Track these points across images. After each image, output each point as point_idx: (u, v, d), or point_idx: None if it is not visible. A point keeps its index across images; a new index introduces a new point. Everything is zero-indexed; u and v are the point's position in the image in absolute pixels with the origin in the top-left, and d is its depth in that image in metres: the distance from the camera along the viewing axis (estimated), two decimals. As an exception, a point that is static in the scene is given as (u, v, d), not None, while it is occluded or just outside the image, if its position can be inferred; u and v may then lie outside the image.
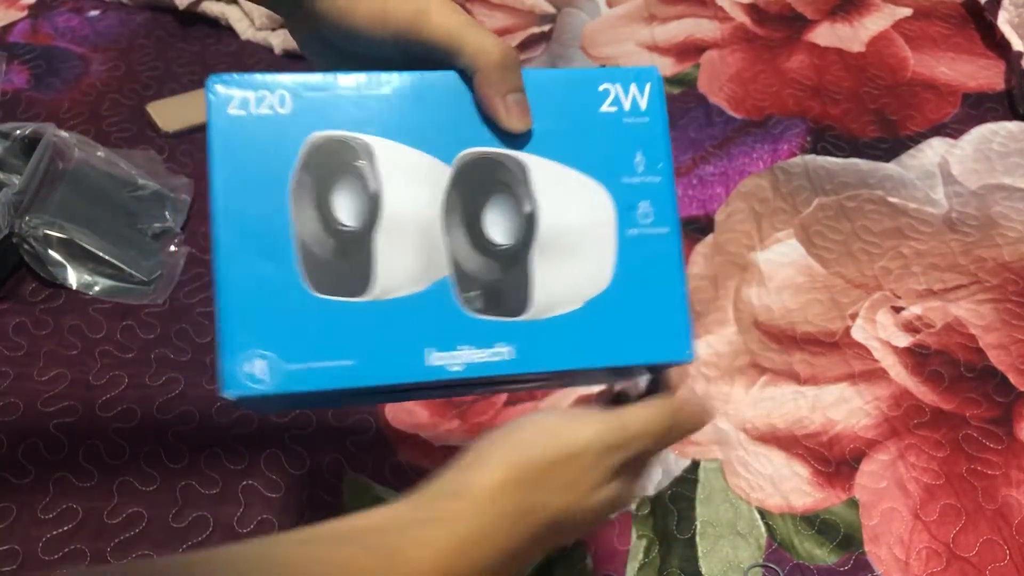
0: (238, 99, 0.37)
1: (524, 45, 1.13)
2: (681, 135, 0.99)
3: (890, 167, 0.95)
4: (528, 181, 0.39)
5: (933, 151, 0.97)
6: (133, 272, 0.78)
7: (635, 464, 0.42)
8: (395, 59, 0.41)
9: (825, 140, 0.98)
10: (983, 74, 1.09)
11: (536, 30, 1.16)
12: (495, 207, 0.39)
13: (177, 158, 0.92)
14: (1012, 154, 0.97)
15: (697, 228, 0.88)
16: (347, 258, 0.37)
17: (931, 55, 1.12)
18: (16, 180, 0.79)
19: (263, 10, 1.12)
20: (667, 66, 1.10)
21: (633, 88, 0.41)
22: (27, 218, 0.77)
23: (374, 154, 0.38)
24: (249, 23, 1.11)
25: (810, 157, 0.96)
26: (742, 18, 1.18)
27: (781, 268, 0.84)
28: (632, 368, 0.41)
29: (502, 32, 1.15)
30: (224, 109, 0.37)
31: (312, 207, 0.37)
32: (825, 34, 1.15)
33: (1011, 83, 1.05)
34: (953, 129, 1.00)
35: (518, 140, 0.39)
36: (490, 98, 0.38)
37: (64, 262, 0.78)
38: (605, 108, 0.40)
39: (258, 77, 0.37)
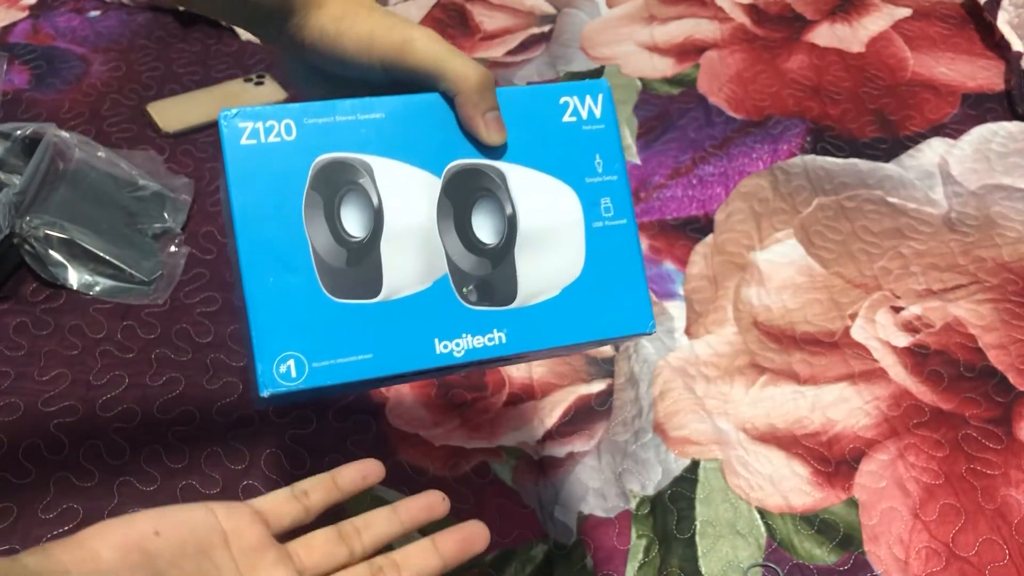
0: (249, 130, 0.41)
1: (524, 45, 1.13)
2: (681, 135, 0.99)
3: (889, 167, 0.95)
4: (507, 187, 0.44)
5: (932, 151, 0.97)
6: (134, 272, 0.79)
7: None
8: (380, 82, 0.45)
9: (825, 140, 0.99)
10: (982, 74, 1.09)
11: (536, 30, 1.16)
12: (481, 211, 0.44)
13: (177, 158, 0.92)
14: (1011, 154, 0.97)
15: (697, 228, 0.89)
16: (358, 265, 0.42)
17: (930, 55, 1.12)
18: (17, 180, 0.79)
19: (263, 10, 1.12)
20: (667, 66, 1.10)
21: (588, 99, 0.46)
22: (28, 218, 0.77)
23: (374, 171, 0.42)
24: (249, 23, 1.11)
25: (810, 157, 0.96)
26: (742, 18, 1.18)
27: (781, 268, 0.84)
28: (603, 341, 0.47)
29: (502, 32, 1.15)
30: (237, 141, 0.41)
31: (323, 223, 0.41)
32: (825, 34, 1.15)
33: (1010, 83, 1.06)
34: (952, 129, 1.00)
35: (496, 151, 0.44)
36: (471, 117, 0.43)
37: (65, 262, 0.78)
38: (566, 118, 0.45)
39: (265, 108, 0.41)
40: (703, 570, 0.63)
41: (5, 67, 1.00)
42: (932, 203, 0.91)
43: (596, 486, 0.67)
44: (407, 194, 0.42)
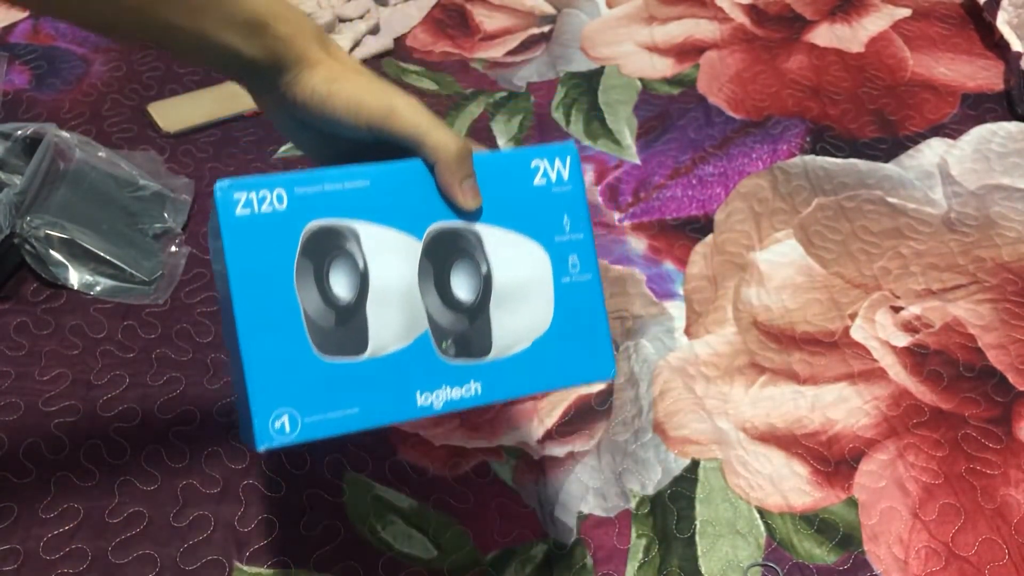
0: (243, 200, 0.43)
1: (524, 45, 1.14)
2: (681, 135, 0.99)
3: (889, 167, 0.95)
4: (483, 247, 0.47)
5: (932, 151, 0.97)
6: (134, 272, 0.79)
7: None
8: (365, 140, 0.47)
9: (824, 140, 0.99)
10: (982, 74, 1.09)
11: (536, 31, 1.16)
12: (459, 271, 0.47)
13: (178, 158, 0.92)
14: (1011, 154, 0.97)
15: (696, 228, 0.89)
16: (346, 326, 0.44)
17: (930, 55, 1.12)
18: (17, 180, 0.79)
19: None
20: (667, 66, 1.10)
21: (557, 162, 0.49)
22: (28, 218, 0.77)
23: (360, 237, 0.45)
24: (249, 24, 1.12)
25: (809, 157, 0.96)
26: (742, 19, 1.18)
27: (780, 268, 0.84)
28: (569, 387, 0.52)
29: (502, 32, 1.16)
30: (232, 212, 0.43)
31: (313, 287, 0.44)
32: (824, 35, 1.15)
33: (1010, 83, 1.06)
34: (952, 129, 1.00)
35: (472, 214, 0.47)
36: (449, 185, 0.46)
37: (65, 262, 0.78)
38: (537, 181, 0.49)
39: (258, 178, 0.44)
40: (703, 570, 0.63)
41: (5, 67, 1.01)
42: (932, 203, 0.91)
43: (596, 486, 0.67)
44: (390, 257, 0.45)
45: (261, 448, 0.42)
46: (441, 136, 0.46)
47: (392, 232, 0.45)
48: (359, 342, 0.44)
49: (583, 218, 0.49)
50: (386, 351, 0.45)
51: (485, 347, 0.47)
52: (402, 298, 0.45)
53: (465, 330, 0.46)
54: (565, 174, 0.49)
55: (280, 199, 0.44)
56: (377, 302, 0.45)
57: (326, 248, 0.44)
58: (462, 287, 0.46)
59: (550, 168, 0.49)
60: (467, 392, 0.46)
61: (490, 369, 0.47)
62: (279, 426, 0.43)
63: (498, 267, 0.47)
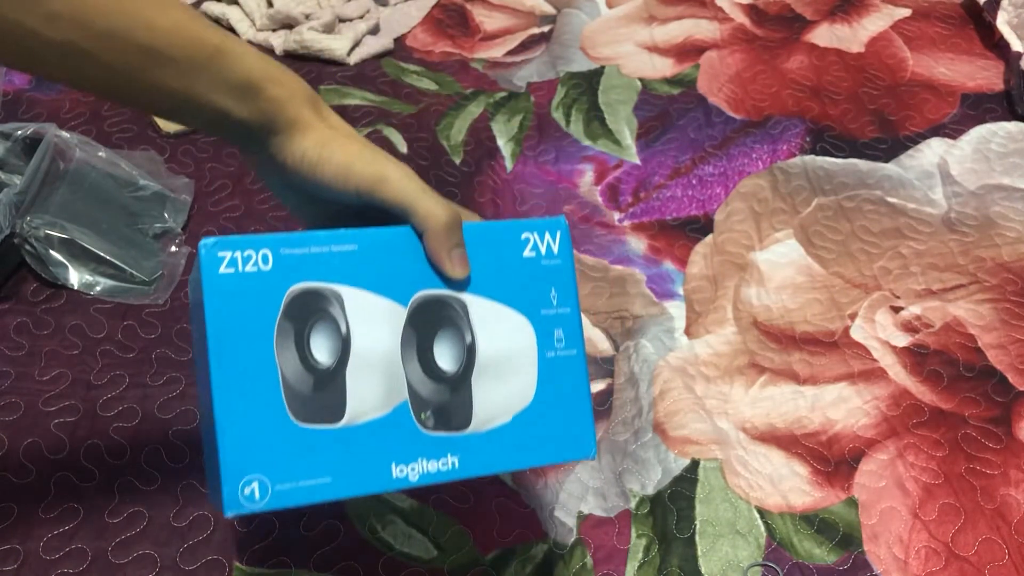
0: (227, 259, 0.43)
1: (524, 45, 1.14)
2: (681, 135, 0.99)
3: (889, 167, 0.95)
4: (468, 317, 0.46)
5: (932, 151, 0.97)
6: (134, 272, 0.79)
7: None
8: (353, 205, 0.47)
9: (824, 140, 0.99)
10: (982, 74, 1.09)
11: (536, 31, 1.16)
12: (443, 340, 0.46)
13: (178, 159, 0.92)
14: (1011, 154, 0.97)
15: (696, 228, 0.89)
16: (323, 391, 0.43)
17: (930, 55, 1.12)
18: (17, 180, 0.79)
19: (264, 11, 1.12)
20: (667, 66, 1.10)
21: (547, 236, 0.49)
22: (28, 218, 0.77)
23: (344, 301, 0.44)
24: (250, 24, 1.12)
25: (809, 157, 0.96)
26: (741, 19, 1.18)
27: (780, 268, 0.84)
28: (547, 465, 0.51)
29: (502, 32, 1.16)
30: (216, 270, 0.42)
31: (293, 350, 0.43)
32: (824, 35, 1.15)
33: (1010, 83, 1.06)
34: (952, 129, 1.00)
35: (459, 283, 0.46)
36: (437, 253, 0.46)
37: (65, 262, 0.78)
38: (526, 253, 0.48)
39: (244, 238, 0.43)
40: (703, 570, 0.63)
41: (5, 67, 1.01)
42: (931, 203, 0.91)
43: (596, 486, 0.67)
44: (374, 323, 0.45)
45: (228, 515, 0.41)
46: (431, 205, 0.45)
47: (377, 298, 0.45)
48: (336, 409, 0.43)
49: (571, 292, 0.49)
50: (363, 419, 0.44)
51: (465, 420, 0.46)
52: (383, 365, 0.44)
53: (445, 401, 0.45)
54: (555, 247, 0.49)
55: (265, 259, 0.43)
56: (357, 368, 0.44)
57: (309, 311, 0.43)
58: (445, 357, 0.46)
59: (540, 241, 0.48)
60: (444, 465, 0.45)
61: (468, 443, 0.46)
62: (248, 492, 0.41)
63: (482, 338, 0.46)
